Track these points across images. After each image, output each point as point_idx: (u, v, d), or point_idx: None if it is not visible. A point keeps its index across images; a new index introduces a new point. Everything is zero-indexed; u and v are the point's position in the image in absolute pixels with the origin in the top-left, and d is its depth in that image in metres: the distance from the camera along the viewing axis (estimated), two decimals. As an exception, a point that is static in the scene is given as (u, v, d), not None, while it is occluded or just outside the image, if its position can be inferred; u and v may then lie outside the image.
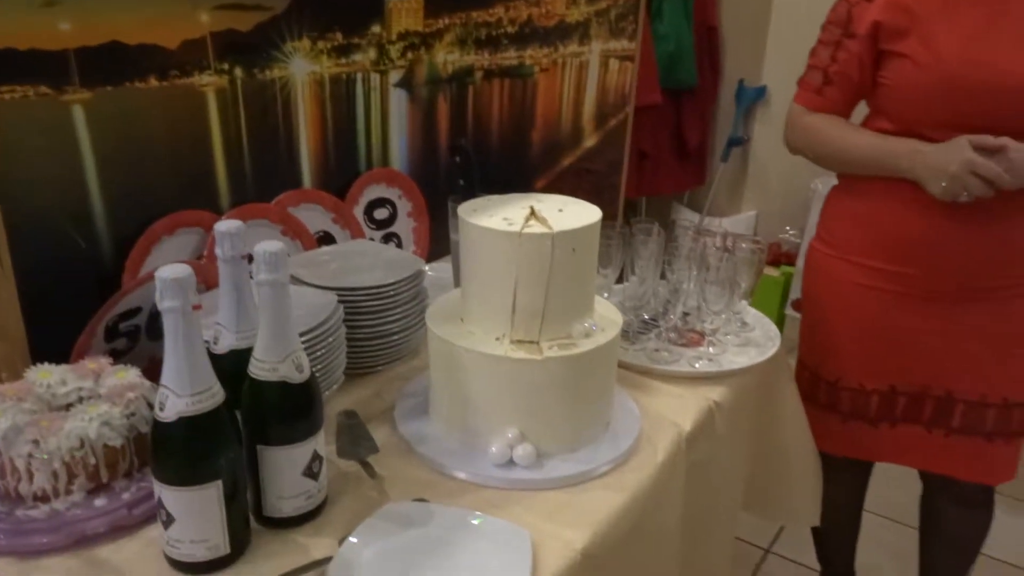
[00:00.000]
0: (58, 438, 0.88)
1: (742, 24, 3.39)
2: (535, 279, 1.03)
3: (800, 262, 3.24)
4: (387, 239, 1.70)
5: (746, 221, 3.57)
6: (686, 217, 3.59)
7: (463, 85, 1.83)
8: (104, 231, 1.21)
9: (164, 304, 0.76)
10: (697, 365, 1.33)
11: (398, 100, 1.68)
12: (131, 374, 0.98)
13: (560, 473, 1.04)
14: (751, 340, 1.43)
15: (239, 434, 0.87)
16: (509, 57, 1.93)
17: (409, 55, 1.66)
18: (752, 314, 1.51)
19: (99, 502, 0.91)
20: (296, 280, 1.23)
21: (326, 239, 1.54)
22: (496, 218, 1.06)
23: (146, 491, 0.92)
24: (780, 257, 3.45)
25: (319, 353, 1.12)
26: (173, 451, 0.81)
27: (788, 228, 3.47)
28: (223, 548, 0.85)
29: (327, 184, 1.56)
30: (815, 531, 1.89)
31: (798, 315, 1.76)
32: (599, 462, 1.06)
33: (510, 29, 1.90)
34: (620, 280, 1.43)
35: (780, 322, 3.25)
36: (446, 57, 1.76)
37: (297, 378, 0.88)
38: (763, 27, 3.34)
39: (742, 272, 1.37)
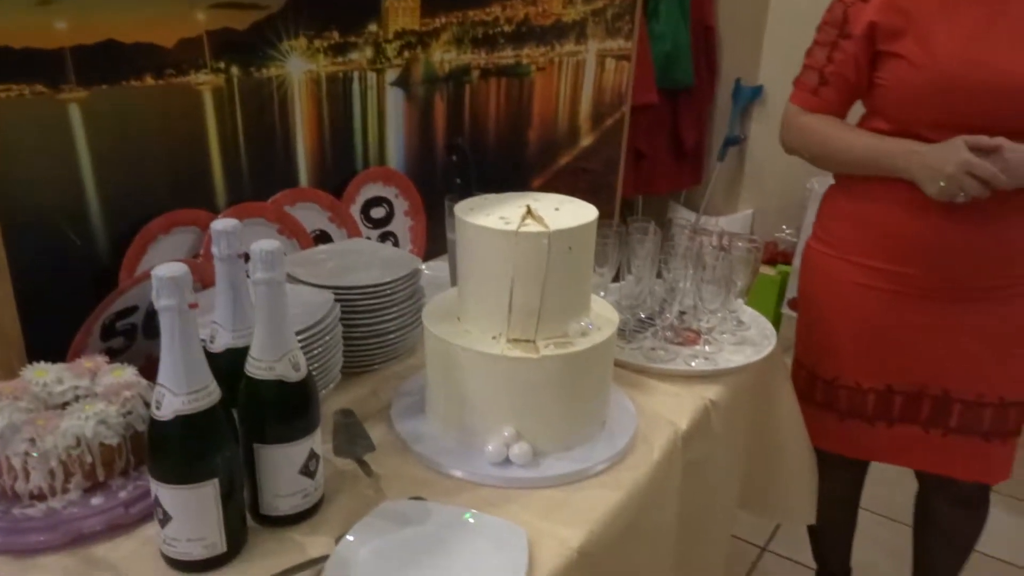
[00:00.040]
0: (54, 436, 0.88)
1: (739, 23, 3.39)
2: (531, 278, 1.03)
3: (796, 261, 3.25)
4: (384, 238, 1.70)
5: (742, 220, 3.58)
6: (682, 216, 3.60)
7: (460, 84, 1.84)
8: (100, 229, 1.21)
9: (160, 303, 0.76)
10: (693, 364, 1.34)
11: (395, 99, 1.68)
12: (127, 373, 0.98)
13: (556, 471, 1.04)
14: (747, 339, 1.44)
15: (236, 433, 0.87)
16: (506, 56, 1.93)
17: (406, 54, 1.66)
18: (748, 313, 1.52)
19: (96, 500, 0.91)
20: (293, 279, 1.23)
21: (323, 238, 1.54)
22: (493, 217, 1.06)
23: (143, 489, 0.92)
24: (776, 256, 3.46)
25: (316, 352, 1.12)
26: (170, 450, 0.81)
27: (784, 227, 3.48)
28: (220, 546, 0.85)
29: (324, 183, 1.56)
30: (811, 529, 1.89)
31: (794, 314, 1.76)
32: (595, 460, 1.07)
33: (507, 28, 1.90)
34: (616, 279, 1.43)
35: (776, 321, 3.25)
36: (443, 56, 1.76)
37: (294, 377, 0.88)
38: (760, 26, 3.34)
39: (738, 271, 1.38)
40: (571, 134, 2.26)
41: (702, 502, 1.26)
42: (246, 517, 0.90)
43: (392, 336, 1.30)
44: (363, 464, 1.02)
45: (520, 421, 1.05)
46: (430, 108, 1.78)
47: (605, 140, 2.41)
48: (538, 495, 1.01)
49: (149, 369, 0.91)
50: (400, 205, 1.72)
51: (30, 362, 0.99)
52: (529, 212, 1.07)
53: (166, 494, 0.81)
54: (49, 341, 1.12)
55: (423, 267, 1.41)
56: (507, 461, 1.05)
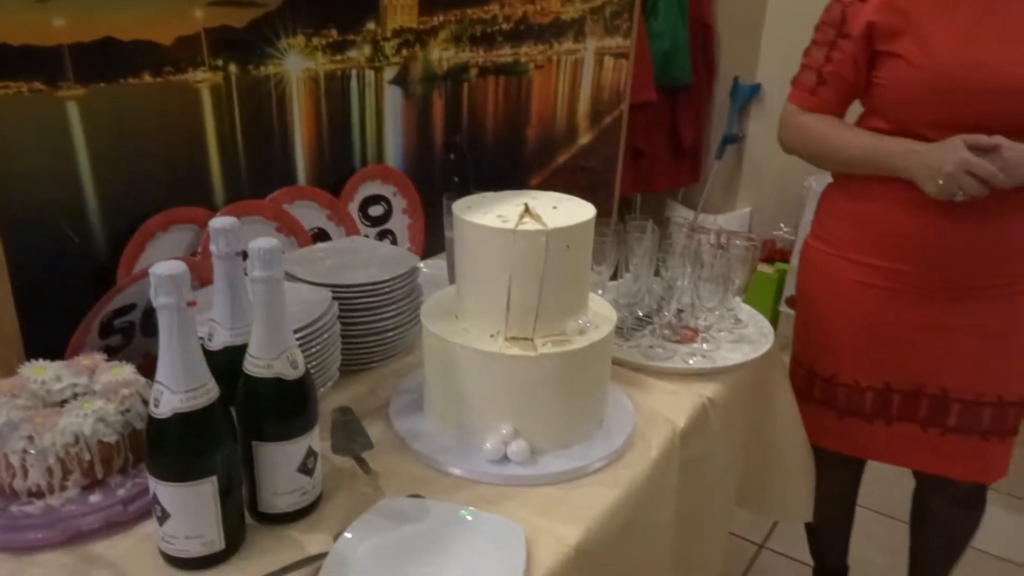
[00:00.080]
0: (53, 434, 0.88)
1: (737, 21, 3.39)
2: (529, 276, 1.03)
3: (794, 259, 3.25)
4: (382, 236, 1.70)
5: (740, 218, 3.58)
6: (681, 214, 3.60)
7: (458, 82, 1.84)
8: (98, 227, 1.21)
9: (159, 301, 0.76)
10: (691, 362, 1.34)
11: (393, 97, 1.68)
12: (126, 370, 0.98)
13: (554, 469, 1.04)
14: (745, 337, 1.44)
15: (234, 430, 0.87)
16: (504, 54, 1.93)
17: (404, 52, 1.66)
18: (746, 311, 1.52)
19: (94, 498, 0.91)
20: (291, 277, 1.23)
21: (321, 236, 1.54)
22: (491, 215, 1.06)
23: (141, 487, 0.92)
24: (774, 254, 3.46)
25: (314, 350, 1.12)
26: (168, 447, 0.81)
27: (782, 225, 3.48)
28: (218, 544, 0.85)
29: (322, 181, 1.55)
30: (808, 526, 1.89)
31: (792, 312, 1.77)
32: (593, 458, 1.07)
33: (505, 26, 1.90)
34: (614, 277, 1.43)
35: (774, 319, 3.26)
36: (441, 54, 1.76)
37: (292, 375, 0.88)
38: (758, 25, 3.35)
39: (736, 269, 1.38)
40: (569, 132, 2.26)
41: (700, 500, 1.26)
42: (244, 515, 0.90)
43: (390, 334, 1.30)
44: (361, 462, 1.02)
45: (518, 419, 1.06)
46: (428, 106, 1.78)
47: (603, 138, 2.41)
48: (536, 493, 1.01)
49: (147, 367, 0.91)
50: (398, 203, 1.72)
51: (28, 360, 0.99)
52: (527, 210, 1.07)
53: (164, 492, 0.81)
54: (47, 339, 1.12)
55: (421, 265, 1.42)
56: (505, 459, 1.05)
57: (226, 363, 0.89)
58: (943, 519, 1.74)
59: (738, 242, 1.40)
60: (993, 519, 1.78)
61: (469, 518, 0.93)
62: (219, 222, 0.89)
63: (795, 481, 1.56)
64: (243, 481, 0.90)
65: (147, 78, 1.22)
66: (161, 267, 0.76)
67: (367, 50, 1.58)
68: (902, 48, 1.39)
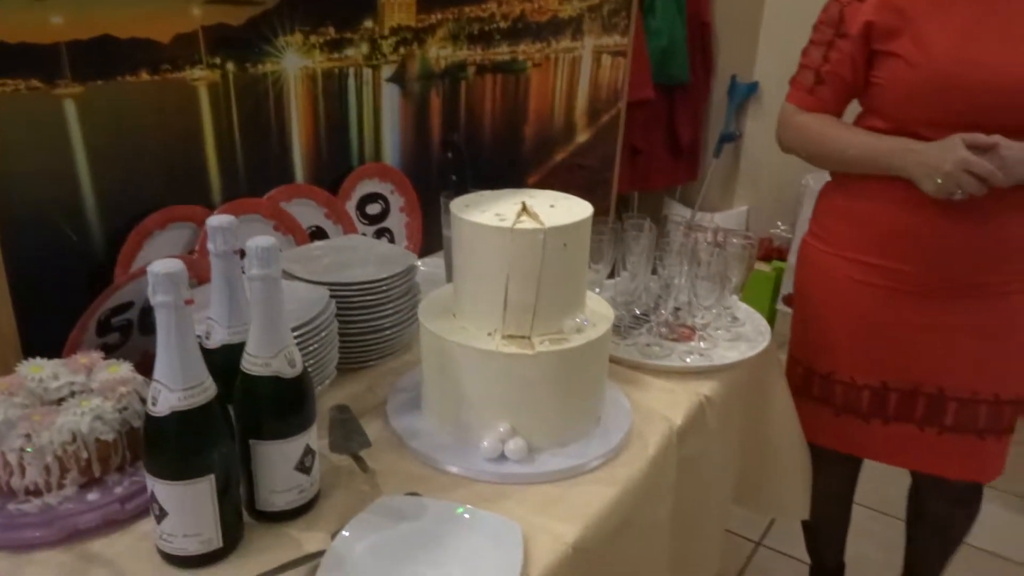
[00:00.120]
0: (50, 432, 0.88)
1: (735, 20, 3.39)
2: (527, 274, 1.03)
3: (791, 257, 3.26)
4: (379, 234, 1.70)
5: (737, 216, 3.59)
6: (678, 212, 3.60)
7: (455, 80, 1.84)
8: (96, 225, 1.21)
9: (156, 299, 0.76)
10: (688, 360, 1.34)
11: (390, 95, 1.68)
12: (123, 369, 0.98)
13: (551, 467, 1.04)
14: (742, 335, 1.44)
15: (231, 429, 0.87)
16: (502, 52, 1.93)
17: (401, 50, 1.66)
18: (743, 309, 1.52)
19: (91, 496, 0.91)
20: (288, 275, 1.23)
21: (318, 234, 1.54)
22: (488, 214, 1.06)
23: (139, 485, 0.92)
24: (771, 252, 3.46)
25: (311, 348, 1.12)
26: (166, 446, 0.81)
27: (779, 223, 3.48)
28: (216, 542, 0.85)
29: (319, 179, 1.55)
30: (805, 524, 1.90)
31: (789, 310, 1.77)
32: (590, 456, 1.07)
33: (503, 24, 1.90)
34: (612, 275, 1.43)
35: (771, 317, 3.26)
36: (438, 52, 1.76)
37: (289, 373, 0.89)
38: (755, 23, 3.35)
39: (733, 267, 1.38)
40: (567, 130, 2.27)
41: (697, 498, 1.26)
42: (242, 513, 0.91)
43: (388, 332, 1.30)
44: (359, 460, 1.02)
45: (516, 417, 1.06)
46: (426, 104, 1.78)
47: (601, 136, 2.41)
48: (533, 491, 1.01)
49: (145, 365, 0.91)
50: (396, 201, 1.72)
51: (26, 358, 0.99)
52: (524, 209, 1.07)
53: (162, 490, 0.82)
54: (45, 337, 1.12)
55: (419, 263, 1.42)
56: (502, 457, 1.05)
57: (224, 361, 0.89)
58: (939, 517, 1.74)
59: (735, 240, 1.40)
60: (989, 516, 1.79)
61: (467, 516, 0.93)
62: (217, 220, 0.89)
63: (792, 479, 1.56)
64: (241, 479, 0.90)
65: (145, 76, 1.22)
66: (159, 265, 0.76)
67: (365, 48, 1.58)
68: (900, 48, 1.39)
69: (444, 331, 1.08)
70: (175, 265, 0.76)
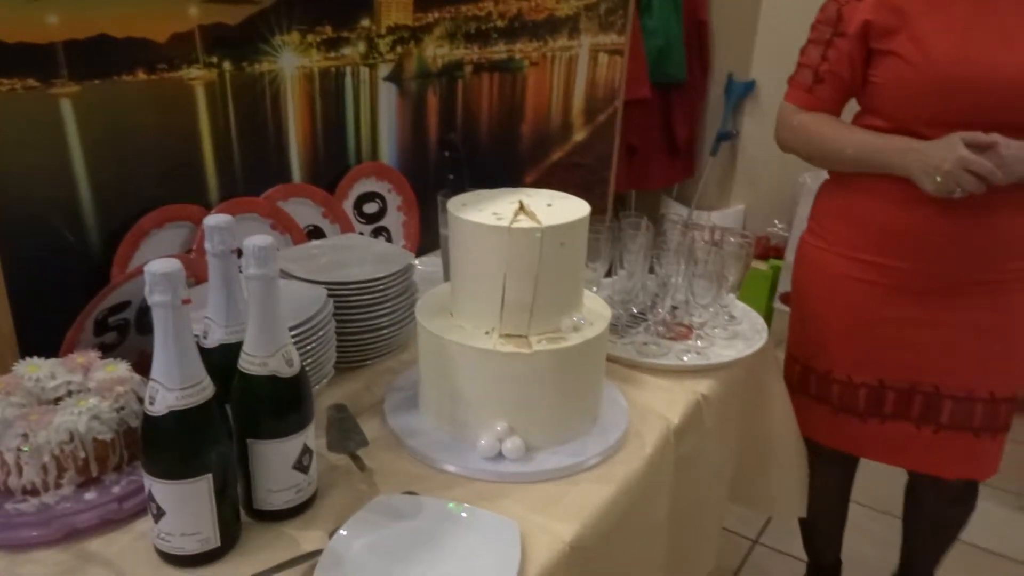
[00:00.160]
0: (47, 432, 0.88)
1: (731, 18, 3.39)
2: (524, 273, 1.03)
3: (788, 256, 3.26)
4: (377, 233, 1.70)
5: (734, 215, 3.59)
6: (675, 211, 3.60)
7: (452, 79, 1.84)
8: (93, 225, 1.21)
9: (154, 298, 0.76)
10: (685, 358, 1.34)
11: (387, 94, 1.68)
12: (120, 368, 0.98)
13: (549, 466, 1.05)
14: (739, 333, 1.45)
15: (229, 428, 0.87)
16: (499, 51, 1.93)
17: (398, 49, 1.66)
18: (740, 307, 1.52)
19: (89, 496, 0.91)
20: (286, 274, 1.23)
21: (316, 233, 1.54)
22: (485, 213, 1.06)
23: (136, 485, 0.92)
24: (768, 251, 3.47)
25: (309, 347, 1.12)
26: (163, 445, 0.81)
27: (776, 222, 3.48)
28: (213, 541, 0.85)
29: (317, 178, 1.55)
30: (802, 522, 1.90)
31: (786, 308, 1.77)
32: (587, 455, 1.07)
33: (500, 23, 1.90)
34: (609, 274, 1.43)
35: (768, 316, 3.27)
36: (435, 51, 1.76)
37: (287, 372, 0.89)
38: (752, 21, 3.35)
39: (730, 266, 1.38)
40: (564, 129, 2.27)
41: (694, 496, 1.27)
42: (240, 512, 0.91)
43: (385, 331, 1.30)
44: (356, 459, 1.02)
45: (513, 416, 1.06)
46: (423, 103, 1.78)
47: (598, 135, 2.42)
48: (531, 489, 1.01)
49: (142, 364, 0.91)
50: (393, 200, 1.72)
51: (23, 357, 0.99)
52: (522, 208, 1.07)
53: (160, 489, 0.82)
54: (42, 336, 1.12)
55: (416, 262, 1.42)
56: (500, 456, 1.05)
57: (221, 361, 0.89)
58: (935, 515, 1.75)
59: (732, 239, 1.40)
60: (985, 514, 1.79)
61: (464, 515, 0.94)
62: (214, 219, 0.89)
63: (789, 477, 1.56)
64: (238, 478, 0.90)
65: (141, 75, 1.22)
66: (156, 265, 0.76)
67: (362, 47, 1.58)
68: (898, 46, 1.39)
69: (441, 330, 1.08)
70: (172, 264, 0.76)
